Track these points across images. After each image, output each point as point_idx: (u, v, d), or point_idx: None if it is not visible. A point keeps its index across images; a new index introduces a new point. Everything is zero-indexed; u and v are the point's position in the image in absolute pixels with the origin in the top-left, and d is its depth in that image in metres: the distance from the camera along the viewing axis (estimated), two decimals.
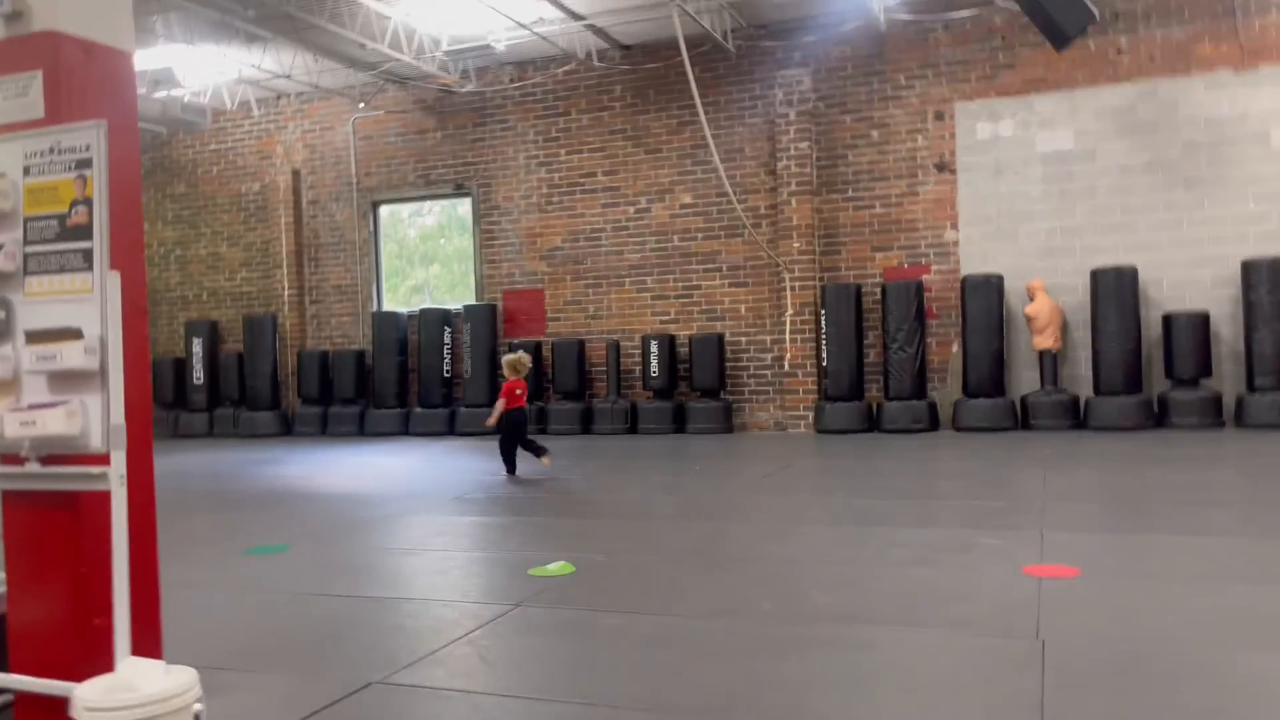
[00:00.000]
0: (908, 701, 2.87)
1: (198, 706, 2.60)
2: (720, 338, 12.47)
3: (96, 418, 2.66)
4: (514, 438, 8.44)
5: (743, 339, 12.77)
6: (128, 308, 2.75)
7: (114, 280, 2.66)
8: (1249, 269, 10.47)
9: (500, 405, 8.38)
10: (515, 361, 8.57)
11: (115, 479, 2.62)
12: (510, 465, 8.40)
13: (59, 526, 2.81)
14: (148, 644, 2.86)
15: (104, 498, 2.70)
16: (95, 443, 2.66)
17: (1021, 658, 3.21)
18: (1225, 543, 4.93)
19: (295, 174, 14.93)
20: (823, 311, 11.92)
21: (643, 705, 2.93)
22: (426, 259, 15.50)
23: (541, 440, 9.04)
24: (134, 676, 2.44)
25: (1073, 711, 2.73)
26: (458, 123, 14.18)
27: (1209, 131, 10.98)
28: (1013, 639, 3.43)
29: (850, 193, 12.32)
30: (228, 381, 14.81)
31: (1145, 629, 3.50)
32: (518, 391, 8.41)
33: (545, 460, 8.33)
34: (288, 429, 14.47)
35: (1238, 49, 10.86)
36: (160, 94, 12.58)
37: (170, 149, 15.83)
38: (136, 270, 2.93)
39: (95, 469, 2.65)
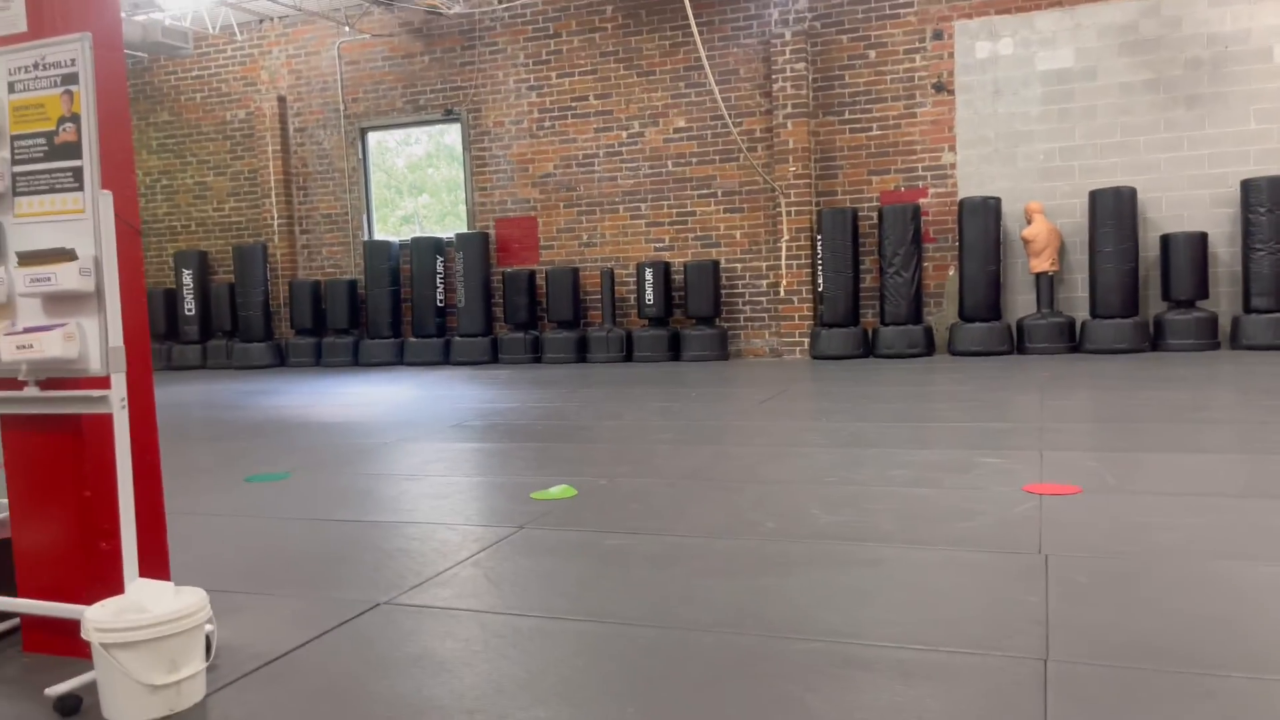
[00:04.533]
0: (913, 614, 2.90)
1: (209, 627, 2.61)
2: (715, 264, 12.40)
3: (94, 340, 2.62)
4: None
5: (738, 265, 12.70)
6: (121, 228, 2.69)
7: (106, 199, 2.59)
8: (1249, 188, 10.39)
9: None
10: None
11: (116, 402, 2.59)
12: None
13: (61, 451, 2.79)
14: (155, 567, 2.86)
15: (105, 421, 2.68)
16: (94, 365, 2.62)
17: (1025, 572, 3.24)
18: (1223, 460, 4.97)
19: (281, 100, 14.64)
20: (819, 236, 11.84)
21: (650, 622, 2.96)
22: (415, 189, 15.31)
23: (538, 367, 9.02)
24: (143, 598, 2.44)
25: (1077, 621, 2.76)
26: (446, 46, 13.87)
27: (1212, 48, 10.80)
28: (1015, 554, 3.46)
29: (847, 115, 12.14)
30: (219, 313, 14.72)
31: (1147, 543, 3.53)
32: None
33: None
34: (281, 360, 14.44)
35: None
36: (140, 17, 12.24)
37: (152, 75, 15.49)
38: (128, 189, 2.86)
39: (96, 392, 2.62)
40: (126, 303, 2.69)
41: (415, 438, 6.88)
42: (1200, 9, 10.80)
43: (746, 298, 12.72)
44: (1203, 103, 10.86)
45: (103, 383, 2.62)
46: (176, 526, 4.26)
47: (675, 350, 12.53)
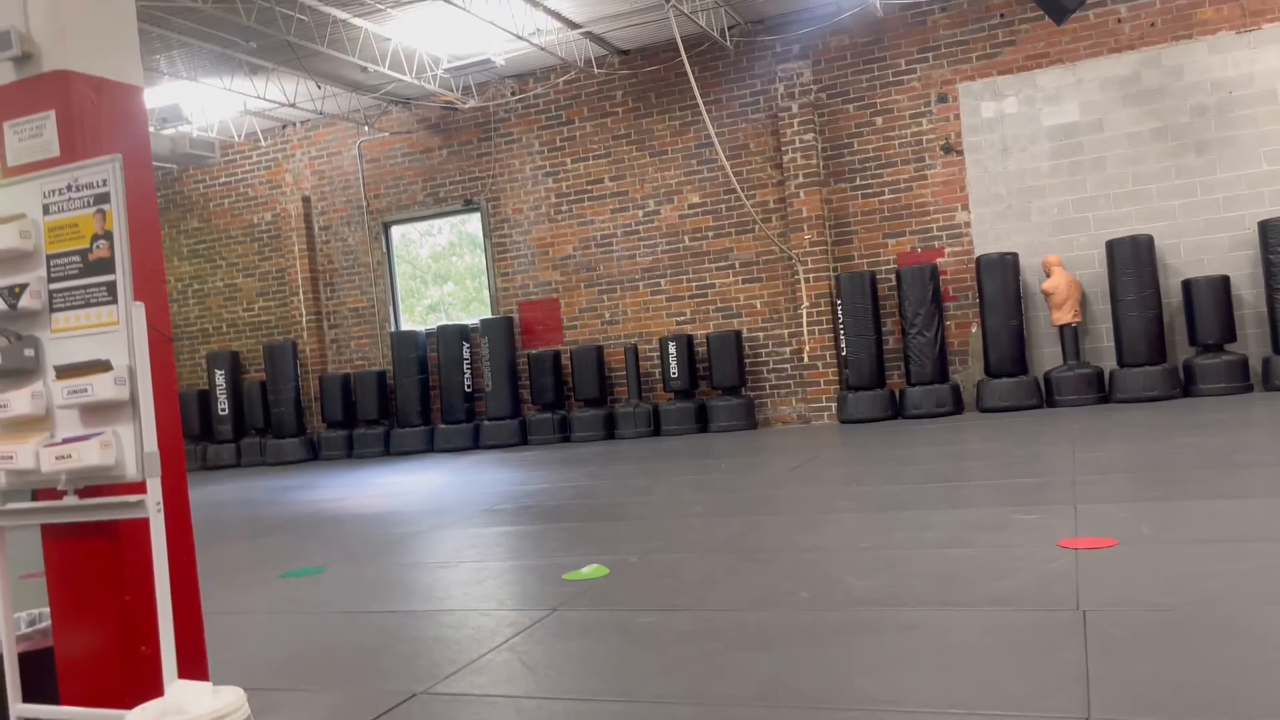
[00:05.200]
0: (952, 678, 2.87)
1: None
2: (738, 335, 12.47)
3: (130, 447, 2.70)
4: None
5: (760, 334, 12.77)
6: (153, 336, 2.79)
7: (139, 311, 2.69)
8: (1267, 229, 10.38)
9: None
10: None
11: (152, 506, 2.66)
12: None
13: (100, 557, 2.85)
14: (194, 668, 2.89)
15: (142, 525, 2.74)
16: (130, 472, 2.70)
17: (1063, 629, 3.20)
18: (1261, 504, 4.89)
19: (305, 201, 15.05)
20: (839, 301, 11.90)
21: (687, 699, 2.94)
22: (440, 278, 15.58)
23: (567, 447, 9.07)
24: (183, 699, 2.47)
25: (1119, 678, 2.72)
26: (463, 139, 14.26)
27: (1216, 94, 10.90)
28: (1053, 611, 3.42)
29: (858, 181, 12.31)
30: (252, 410, 14.92)
31: (1187, 594, 3.47)
32: None
33: None
34: (314, 454, 14.57)
35: (1238, 9, 10.78)
36: (168, 131, 12.71)
37: (181, 185, 16.00)
38: (160, 299, 2.97)
39: (132, 498, 2.69)
40: (160, 407, 2.78)
41: (447, 524, 6.91)
42: (1200, 57, 10.94)
43: (771, 366, 12.75)
44: (1212, 148, 10.92)
45: (139, 488, 2.69)
46: (214, 626, 4.29)
47: (703, 422, 12.54)
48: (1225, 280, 10.58)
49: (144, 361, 2.69)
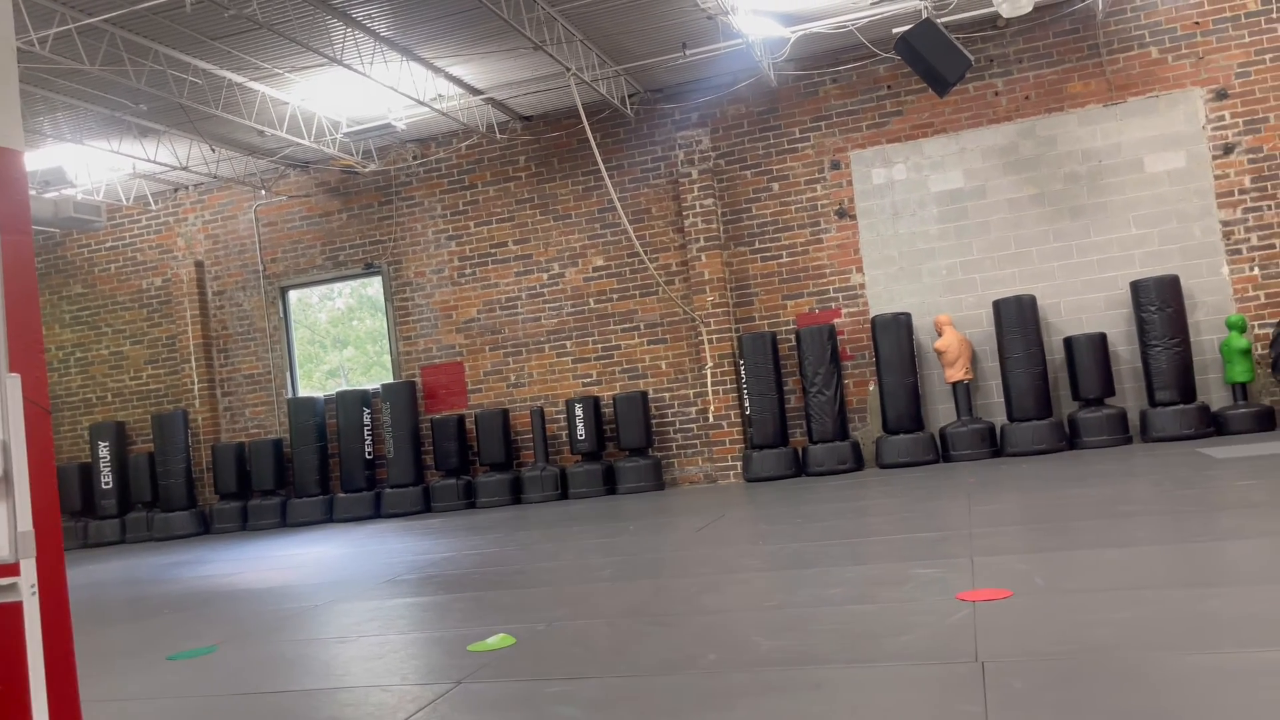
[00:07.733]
0: None
1: None
2: (644, 395, 12.53)
3: (2, 527, 2.55)
4: None
5: (666, 395, 12.86)
6: (30, 409, 2.66)
7: (14, 383, 2.57)
8: (1138, 289, 10.99)
9: None
10: None
11: (26, 589, 2.51)
12: None
13: None
14: None
15: (14, 610, 2.58)
16: (3, 553, 2.54)
17: (964, 682, 3.26)
18: (1147, 552, 5.10)
19: (198, 265, 14.66)
20: (741, 362, 12.10)
21: None
22: (340, 342, 15.31)
23: (472, 513, 8.91)
24: None
25: None
26: (363, 203, 14.14)
27: (1087, 163, 11.58)
28: (954, 665, 3.48)
29: (757, 244, 12.61)
30: (139, 484, 14.27)
31: (1080, 642, 3.58)
32: None
33: None
34: (206, 527, 13.99)
35: (1105, 84, 11.53)
36: (51, 194, 12.27)
37: (64, 250, 15.42)
38: (37, 370, 2.84)
39: (4, 580, 2.53)
40: (36, 483, 2.64)
41: (347, 597, 6.69)
42: (1071, 128, 11.62)
43: (677, 426, 12.83)
44: (1086, 213, 11.57)
45: (11, 570, 2.54)
46: (94, 715, 4.04)
47: (611, 484, 12.49)
48: (1103, 337, 11.14)
49: (19, 436, 2.56)
